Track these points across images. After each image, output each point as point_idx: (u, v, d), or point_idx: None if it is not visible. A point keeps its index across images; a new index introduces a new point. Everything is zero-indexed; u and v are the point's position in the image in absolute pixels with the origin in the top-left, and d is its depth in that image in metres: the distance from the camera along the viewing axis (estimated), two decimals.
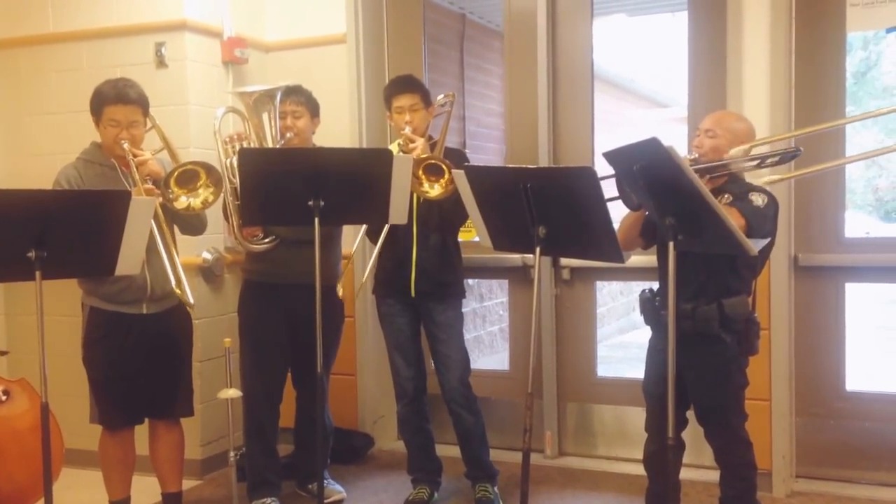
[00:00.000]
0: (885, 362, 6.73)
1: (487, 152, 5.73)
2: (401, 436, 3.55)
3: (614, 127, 7.69)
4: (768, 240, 2.56)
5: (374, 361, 4.11)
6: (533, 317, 2.57)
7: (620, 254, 2.45)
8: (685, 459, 3.22)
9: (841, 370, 3.56)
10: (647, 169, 2.21)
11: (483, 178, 2.64)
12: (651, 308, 2.81)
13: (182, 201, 2.83)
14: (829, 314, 3.55)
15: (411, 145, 3.13)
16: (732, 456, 2.78)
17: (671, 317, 2.26)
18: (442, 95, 3.32)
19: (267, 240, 3.21)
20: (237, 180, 3.00)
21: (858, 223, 9.95)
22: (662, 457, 2.69)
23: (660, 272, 2.81)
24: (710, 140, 2.70)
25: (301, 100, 3.30)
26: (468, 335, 5.84)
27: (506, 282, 4.28)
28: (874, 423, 3.49)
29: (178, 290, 2.84)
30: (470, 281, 5.74)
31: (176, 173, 2.79)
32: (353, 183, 2.73)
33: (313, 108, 3.35)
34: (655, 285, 2.87)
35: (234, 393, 2.86)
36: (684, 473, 3.25)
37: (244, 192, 2.81)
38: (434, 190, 3.04)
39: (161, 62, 3.73)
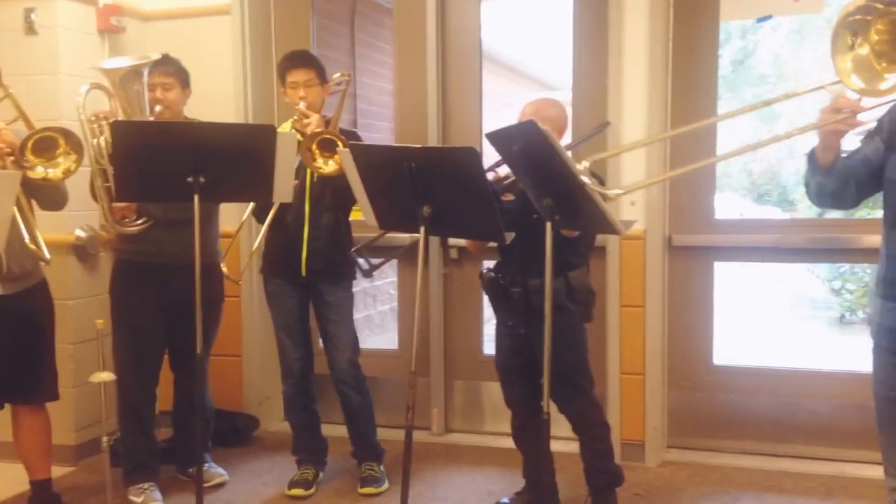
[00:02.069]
0: (751, 337, 7.14)
1: (380, 131, 5.70)
2: (286, 416, 3.52)
3: (505, 108, 7.77)
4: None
5: (260, 342, 4.05)
6: (417, 296, 2.58)
7: (502, 233, 2.49)
8: (566, 433, 3.34)
9: (709, 345, 3.75)
10: (525, 150, 2.25)
11: (368, 157, 2.63)
12: (496, 287, 2.90)
13: (39, 171, 2.69)
14: (699, 292, 3.73)
15: (305, 121, 3.09)
16: (587, 418, 2.92)
17: (548, 291, 2.32)
18: (339, 74, 3.28)
19: (139, 221, 3.09)
20: (105, 161, 2.88)
21: (734, 205, 10.50)
22: (531, 430, 2.82)
23: (505, 250, 2.88)
24: None
25: (170, 70, 3.19)
26: (358, 314, 5.83)
27: (395, 261, 4.28)
28: (739, 396, 3.70)
29: (32, 246, 2.71)
30: (361, 260, 5.72)
31: (32, 141, 2.65)
32: (234, 159, 2.66)
33: (184, 79, 3.24)
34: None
35: (107, 376, 2.76)
36: (564, 446, 3.38)
37: (118, 168, 2.70)
38: (329, 166, 3.03)
39: (31, 29, 3.52)
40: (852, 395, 3.53)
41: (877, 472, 3.31)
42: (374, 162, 2.61)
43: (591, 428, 2.93)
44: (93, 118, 2.98)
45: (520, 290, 2.79)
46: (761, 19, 3.69)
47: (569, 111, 3.92)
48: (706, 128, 3.64)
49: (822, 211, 4.15)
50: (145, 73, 3.07)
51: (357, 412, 3.36)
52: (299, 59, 3.24)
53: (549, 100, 3.04)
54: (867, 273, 8.44)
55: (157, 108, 3.10)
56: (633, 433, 3.56)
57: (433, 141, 3.88)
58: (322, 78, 3.24)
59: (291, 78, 3.19)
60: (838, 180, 2.08)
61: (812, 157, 2.10)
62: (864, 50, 1.74)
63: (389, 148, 2.92)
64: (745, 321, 7.92)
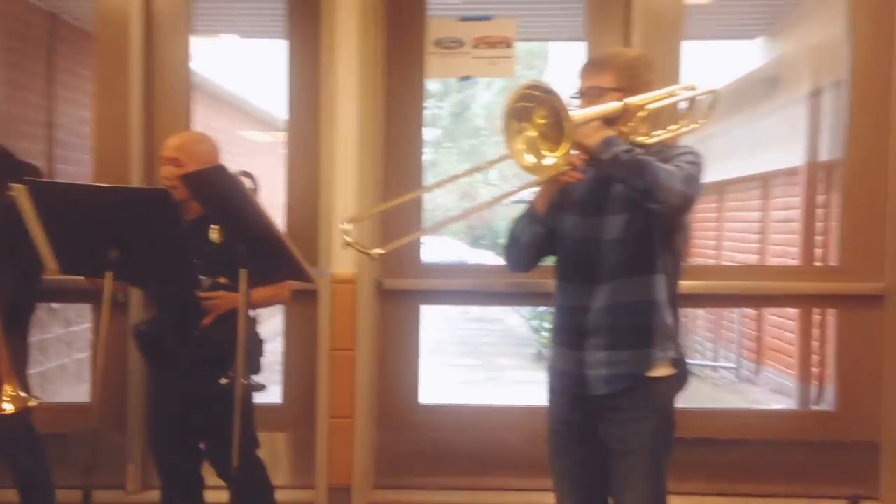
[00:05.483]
0: (454, 376, 7.54)
1: (82, 164, 5.28)
2: None
3: (228, 147, 7.58)
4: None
5: None
6: (99, 346, 2.40)
7: (198, 282, 2.42)
8: None
9: (415, 385, 3.87)
10: (218, 195, 2.19)
11: (49, 195, 2.41)
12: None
13: None
14: (406, 334, 3.85)
15: None
16: (256, 486, 2.83)
17: (241, 340, 2.25)
18: None
19: None
20: None
21: (453, 249, 11.15)
22: None
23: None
24: (178, 169, 2.68)
25: None
26: (51, 364, 5.31)
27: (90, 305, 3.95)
28: (443, 433, 3.83)
29: None
30: (55, 305, 5.22)
31: None
32: None
33: None
34: None
35: None
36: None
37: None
38: None
39: None
40: (542, 427, 3.81)
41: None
42: (56, 200, 2.40)
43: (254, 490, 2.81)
44: None
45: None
46: (463, 78, 3.95)
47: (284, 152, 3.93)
48: (415, 179, 3.82)
49: None
50: None
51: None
52: None
53: (195, 134, 3.02)
54: None
55: None
56: (340, 477, 3.56)
57: (136, 180, 3.66)
58: None
59: None
60: (545, 233, 2.23)
61: (532, 207, 2.26)
62: (532, 133, 1.93)
63: (73, 186, 2.70)
64: (457, 359, 8.37)
